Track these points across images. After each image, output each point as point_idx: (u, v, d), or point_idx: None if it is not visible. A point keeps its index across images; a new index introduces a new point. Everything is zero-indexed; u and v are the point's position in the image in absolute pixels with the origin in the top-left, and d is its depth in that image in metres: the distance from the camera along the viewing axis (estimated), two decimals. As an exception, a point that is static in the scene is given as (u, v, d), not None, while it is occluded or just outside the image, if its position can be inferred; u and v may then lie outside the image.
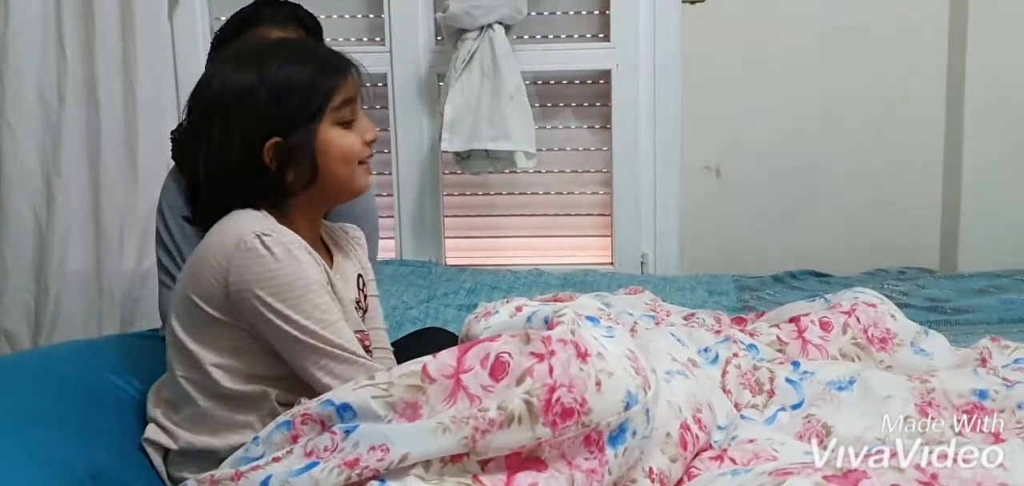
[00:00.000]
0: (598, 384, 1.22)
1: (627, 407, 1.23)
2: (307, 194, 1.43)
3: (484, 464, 1.21)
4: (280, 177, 1.39)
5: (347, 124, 1.44)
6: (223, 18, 2.93)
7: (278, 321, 1.33)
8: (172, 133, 1.72)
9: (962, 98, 2.78)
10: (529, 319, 1.37)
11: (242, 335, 1.37)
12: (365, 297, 1.58)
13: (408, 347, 1.76)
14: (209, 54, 1.71)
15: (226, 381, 1.38)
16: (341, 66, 1.44)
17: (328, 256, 1.53)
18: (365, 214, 1.84)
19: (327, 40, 2.85)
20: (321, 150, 1.41)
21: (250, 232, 1.33)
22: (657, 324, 1.83)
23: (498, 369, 1.22)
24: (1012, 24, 2.75)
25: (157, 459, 1.45)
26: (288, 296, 1.33)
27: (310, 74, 1.40)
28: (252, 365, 1.38)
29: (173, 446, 1.43)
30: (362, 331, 1.51)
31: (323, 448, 1.22)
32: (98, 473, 1.35)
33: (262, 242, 1.32)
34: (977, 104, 2.78)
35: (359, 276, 1.58)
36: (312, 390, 1.35)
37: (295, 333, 1.34)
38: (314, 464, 1.20)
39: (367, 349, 1.50)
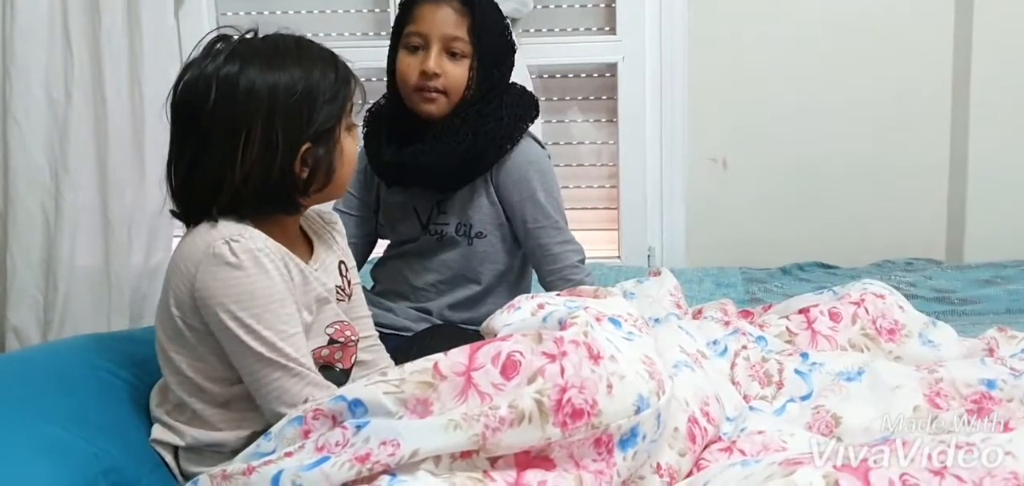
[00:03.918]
0: (609, 386, 1.23)
1: (638, 411, 1.24)
2: (312, 197, 1.43)
3: (494, 461, 1.21)
4: (305, 181, 1.39)
5: (351, 130, 1.46)
6: (230, 14, 2.95)
7: (236, 328, 1.32)
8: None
9: (968, 88, 2.78)
10: (545, 319, 1.37)
11: (212, 340, 1.37)
12: (349, 283, 1.58)
13: (420, 344, 1.77)
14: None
15: (210, 385, 1.40)
16: (351, 72, 1.45)
17: (308, 247, 1.52)
18: (523, 179, 1.88)
19: (332, 35, 2.88)
20: (339, 156, 1.42)
21: (219, 238, 1.33)
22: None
23: (509, 368, 1.23)
24: (1018, 12, 2.75)
25: (168, 456, 1.45)
26: (249, 304, 1.32)
27: (334, 78, 1.40)
28: (226, 370, 1.39)
29: (181, 443, 1.43)
30: (342, 321, 1.51)
31: (334, 443, 1.22)
32: (110, 469, 1.35)
33: (230, 248, 1.32)
34: (983, 94, 2.77)
35: (341, 262, 1.58)
36: None
37: (250, 342, 1.33)
38: (325, 459, 1.20)
39: (348, 340, 1.51)
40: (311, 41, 1.45)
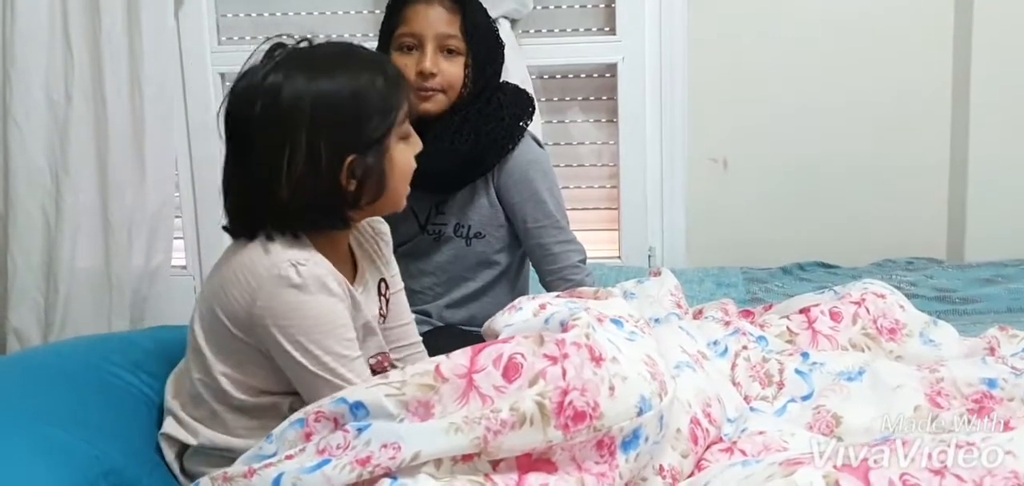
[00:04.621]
0: (611, 388, 1.23)
1: (640, 412, 1.24)
2: (363, 210, 1.41)
3: (495, 464, 1.21)
4: (354, 194, 1.36)
5: (406, 139, 1.43)
6: (230, 15, 2.95)
7: (297, 354, 1.32)
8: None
9: (968, 87, 2.78)
10: (546, 321, 1.37)
11: (257, 355, 1.37)
12: (387, 302, 1.58)
13: (423, 346, 1.77)
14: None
15: (236, 392, 1.40)
16: (403, 79, 1.42)
17: (353, 266, 1.51)
18: (524, 179, 1.88)
19: (332, 37, 2.87)
20: (391, 166, 1.39)
21: (286, 261, 1.31)
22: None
23: (511, 370, 1.23)
24: (1018, 9, 2.75)
25: (170, 455, 1.45)
26: (313, 329, 1.32)
27: (383, 86, 1.37)
28: (264, 382, 1.39)
29: (192, 441, 1.43)
30: (384, 352, 1.51)
31: (335, 446, 1.22)
32: (110, 471, 1.35)
33: (297, 271, 1.31)
34: (983, 93, 2.77)
35: (381, 281, 1.57)
36: None
37: (314, 369, 1.33)
38: (326, 462, 1.21)
39: (387, 367, 1.50)
40: (361, 48, 1.42)
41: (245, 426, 1.41)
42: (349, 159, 1.34)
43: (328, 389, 1.32)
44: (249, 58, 1.37)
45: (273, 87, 1.31)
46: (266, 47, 1.37)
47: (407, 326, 1.64)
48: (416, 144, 1.45)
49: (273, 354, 1.35)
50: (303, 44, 1.39)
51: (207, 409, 1.42)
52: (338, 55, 1.38)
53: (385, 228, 1.62)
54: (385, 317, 1.57)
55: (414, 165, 1.45)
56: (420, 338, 1.67)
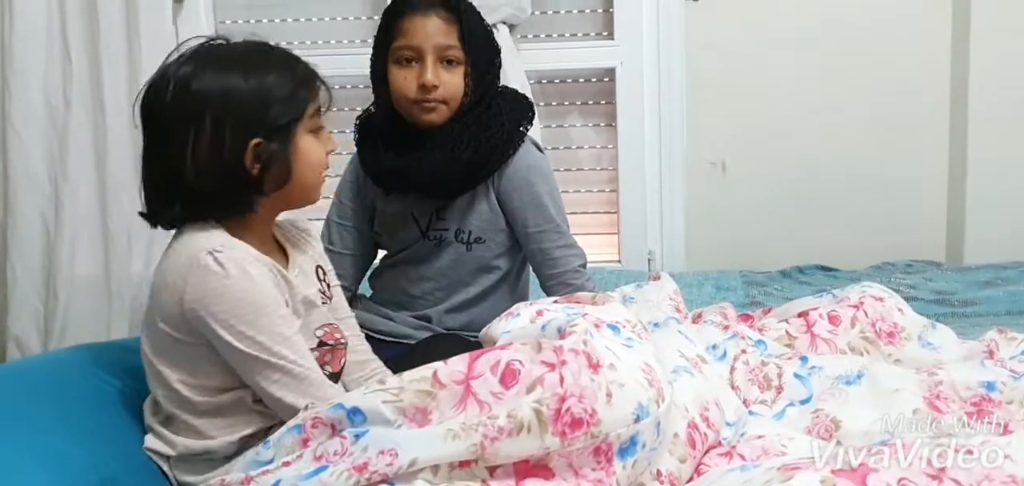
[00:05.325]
0: (609, 395, 1.23)
1: (637, 419, 1.24)
2: (273, 198, 1.44)
3: (492, 470, 1.21)
4: (258, 179, 1.40)
5: (316, 133, 1.46)
6: (227, 21, 2.95)
7: (231, 338, 1.34)
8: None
9: (967, 91, 2.77)
10: (544, 327, 1.37)
11: (203, 351, 1.38)
12: (329, 286, 1.60)
13: (420, 352, 1.77)
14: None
15: (196, 396, 1.41)
16: (314, 76, 1.47)
17: (283, 255, 1.53)
18: (525, 184, 1.88)
19: (330, 42, 2.88)
20: (296, 155, 1.43)
21: (203, 250, 1.35)
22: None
23: (508, 377, 1.23)
24: (1016, 11, 2.75)
25: (164, 465, 1.46)
26: (242, 312, 1.34)
27: (291, 80, 1.42)
28: (220, 379, 1.40)
29: (172, 453, 1.44)
30: (331, 324, 1.53)
31: (333, 452, 1.22)
32: (108, 479, 1.35)
33: (215, 259, 1.34)
34: (982, 95, 2.77)
35: (318, 267, 1.59)
36: None
37: (249, 350, 1.35)
38: (323, 468, 1.21)
39: (338, 342, 1.52)
40: (276, 47, 1.47)
41: (217, 427, 1.42)
42: (254, 142, 1.38)
43: (268, 370, 1.35)
44: (168, 55, 1.43)
45: (184, 77, 1.38)
46: (184, 47, 1.43)
47: (349, 319, 1.65)
48: (328, 141, 1.49)
49: (214, 345, 1.37)
50: (219, 41, 1.44)
51: (178, 421, 1.44)
52: (251, 51, 1.44)
53: (310, 227, 1.65)
54: (331, 298, 1.59)
55: (326, 161, 1.49)
56: (361, 333, 1.68)
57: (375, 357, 1.68)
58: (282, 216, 1.56)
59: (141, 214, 1.46)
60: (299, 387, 1.36)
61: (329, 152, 1.49)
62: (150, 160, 1.42)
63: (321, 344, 1.49)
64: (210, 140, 1.36)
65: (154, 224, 1.45)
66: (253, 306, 1.35)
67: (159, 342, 1.41)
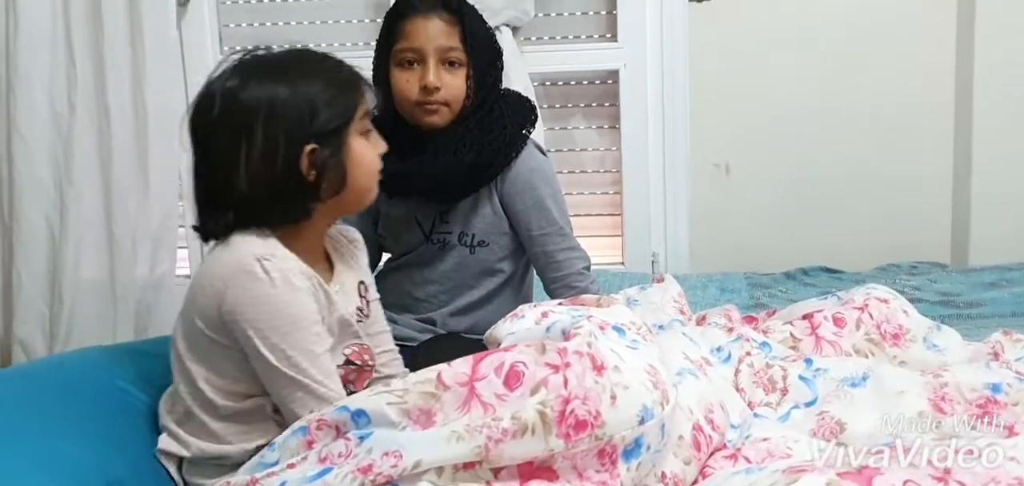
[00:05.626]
0: (613, 397, 1.23)
1: (642, 421, 1.24)
2: (329, 204, 1.43)
3: (497, 472, 1.21)
4: (314, 185, 1.40)
5: (366, 136, 1.46)
6: (231, 25, 2.95)
7: (263, 347, 1.34)
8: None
9: (972, 91, 2.77)
10: (548, 329, 1.37)
11: (234, 355, 1.38)
12: (367, 303, 1.59)
13: (424, 354, 1.77)
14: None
15: (219, 398, 1.41)
16: (360, 79, 1.46)
17: (329, 267, 1.53)
18: (528, 187, 1.88)
19: (334, 46, 2.88)
20: (350, 159, 1.42)
21: (251, 255, 1.34)
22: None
23: (512, 378, 1.23)
24: (1022, 10, 2.74)
25: (171, 468, 1.46)
26: (279, 324, 1.34)
27: (337, 84, 1.42)
28: (246, 385, 1.40)
29: (186, 454, 1.44)
30: (362, 344, 1.52)
31: (337, 454, 1.22)
32: (114, 482, 1.36)
33: (262, 266, 1.33)
34: (987, 95, 2.76)
35: (360, 283, 1.59)
36: None
37: (277, 363, 1.34)
38: (328, 470, 1.21)
39: (365, 364, 1.52)
40: (319, 52, 1.47)
41: (234, 432, 1.41)
42: (309, 148, 1.38)
43: (292, 386, 1.35)
44: (211, 72, 1.43)
45: (230, 90, 1.37)
46: (228, 58, 1.43)
47: (383, 334, 1.64)
48: (379, 144, 1.49)
49: (246, 351, 1.37)
50: (261, 51, 1.44)
51: (196, 422, 1.43)
52: (294, 58, 1.44)
53: (358, 236, 1.65)
54: (368, 316, 1.59)
55: (379, 164, 1.49)
56: (395, 348, 1.67)
57: (405, 371, 1.66)
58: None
59: (194, 228, 1.45)
60: (319, 407, 1.35)
61: (382, 154, 1.49)
62: (200, 174, 1.42)
63: (348, 363, 1.48)
64: (262, 150, 1.35)
65: (205, 238, 1.43)
66: (290, 319, 1.35)
67: (192, 337, 1.41)
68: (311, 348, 1.36)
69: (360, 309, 1.56)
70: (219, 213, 1.39)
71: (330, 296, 1.43)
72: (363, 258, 1.63)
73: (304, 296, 1.37)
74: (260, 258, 1.34)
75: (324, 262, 1.52)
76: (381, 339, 1.62)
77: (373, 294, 1.63)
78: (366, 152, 1.46)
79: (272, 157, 1.36)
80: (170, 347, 1.47)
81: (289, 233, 1.41)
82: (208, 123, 1.39)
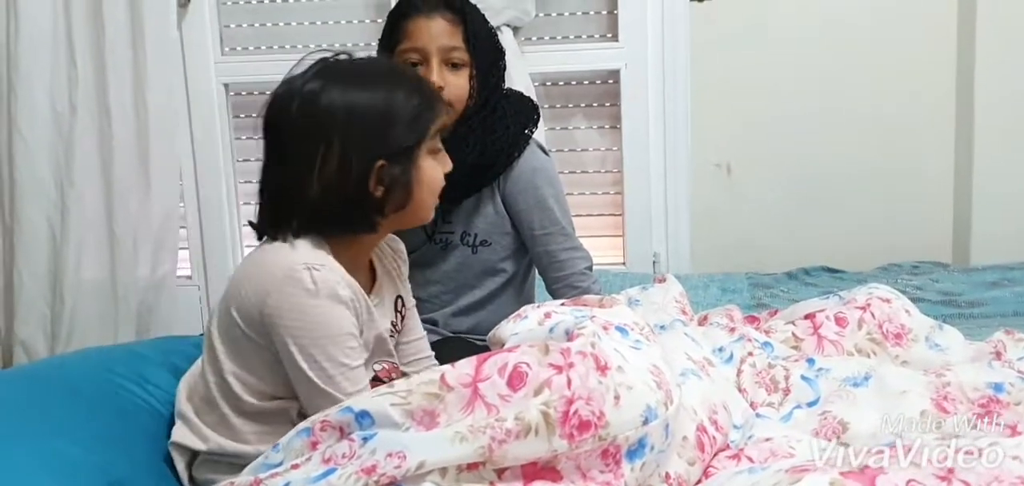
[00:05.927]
0: (617, 398, 1.23)
1: (645, 421, 1.24)
2: (391, 218, 1.43)
3: (500, 473, 1.21)
4: (380, 201, 1.39)
5: (435, 154, 1.46)
6: (232, 26, 2.95)
7: (299, 355, 1.34)
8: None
9: (973, 91, 2.77)
10: (551, 330, 1.37)
11: (267, 356, 1.38)
12: (402, 318, 1.59)
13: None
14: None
15: (245, 394, 1.40)
16: (437, 97, 1.46)
17: (371, 277, 1.53)
18: (530, 186, 1.88)
19: (336, 46, 2.86)
20: (417, 177, 1.42)
21: (302, 262, 1.34)
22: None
23: (516, 379, 1.23)
24: (1022, 13, 2.74)
25: (180, 464, 1.46)
26: (317, 334, 1.34)
27: (417, 100, 1.41)
28: (273, 385, 1.40)
29: (202, 447, 1.43)
30: (393, 362, 1.52)
31: (341, 455, 1.22)
32: (116, 482, 1.35)
33: (311, 275, 1.33)
34: (988, 96, 2.77)
35: (398, 298, 1.59)
36: None
37: (310, 372, 1.34)
38: (332, 471, 1.21)
39: (394, 377, 1.50)
40: (400, 66, 1.48)
41: (254, 432, 1.41)
42: (379, 164, 1.37)
43: (322, 398, 1.34)
44: (291, 69, 1.42)
45: (311, 93, 1.36)
46: (308, 59, 1.42)
47: (419, 341, 1.65)
48: (445, 162, 1.49)
49: (280, 354, 1.36)
50: (343, 56, 1.43)
51: (218, 413, 1.43)
52: (375, 68, 1.45)
53: (402, 247, 1.65)
54: (400, 331, 1.59)
55: (442, 182, 1.48)
56: (432, 353, 1.68)
57: (430, 355, 1.67)
58: None
59: (250, 223, 1.45)
60: None
61: (446, 173, 1.49)
62: (271, 171, 1.41)
63: (377, 379, 1.48)
64: (338, 160, 1.35)
65: (261, 236, 1.43)
66: (329, 332, 1.34)
67: (228, 328, 1.40)
68: (346, 361, 1.36)
69: (393, 324, 1.56)
70: (284, 215, 1.39)
71: (371, 311, 1.43)
72: (404, 269, 1.63)
73: (346, 309, 1.36)
74: (310, 267, 1.33)
75: (367, 272, 1.52)
76: (417, 346, 1.63)
77: (410, 303, 1.63)
78: (433, 172, 1.45)
79: (346, 169, 1.35)
80: (204, 334, 1.46)
81: (343, 241, 1.41)
82: (285, 123, 1.38)
